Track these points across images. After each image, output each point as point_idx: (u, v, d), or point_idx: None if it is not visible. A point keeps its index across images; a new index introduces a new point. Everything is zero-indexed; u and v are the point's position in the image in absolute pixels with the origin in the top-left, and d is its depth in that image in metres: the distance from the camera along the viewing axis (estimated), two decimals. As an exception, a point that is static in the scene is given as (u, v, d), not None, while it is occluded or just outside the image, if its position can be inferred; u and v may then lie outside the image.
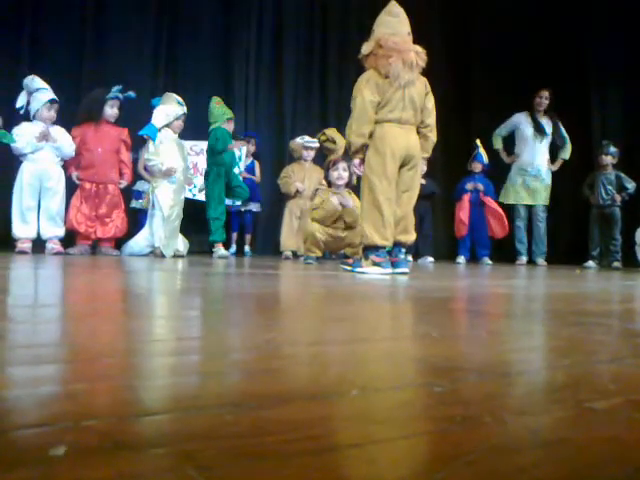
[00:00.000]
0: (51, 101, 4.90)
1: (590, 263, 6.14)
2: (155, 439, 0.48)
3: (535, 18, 7.01)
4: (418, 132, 3.40)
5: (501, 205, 6.41)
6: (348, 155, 3.63)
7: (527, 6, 6.99)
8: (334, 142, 5.61)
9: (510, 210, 6.36)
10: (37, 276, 2.60)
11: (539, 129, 6.21)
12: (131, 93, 5.25)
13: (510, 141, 6.46)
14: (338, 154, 5.40)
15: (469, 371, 0.79)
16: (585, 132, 6.64)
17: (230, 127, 5.65)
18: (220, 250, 5.36)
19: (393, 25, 3.31)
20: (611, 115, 7.00)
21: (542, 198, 6.25)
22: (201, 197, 6.37)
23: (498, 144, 6.48)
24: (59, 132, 4.96)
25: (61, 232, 4.97)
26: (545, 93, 6.24)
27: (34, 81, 4.90)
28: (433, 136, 3.46)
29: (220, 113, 5.58)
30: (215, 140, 5.46)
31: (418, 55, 3.28)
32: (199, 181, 6.31)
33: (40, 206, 4.89)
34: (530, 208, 6.31)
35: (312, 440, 0.48)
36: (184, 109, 5.18)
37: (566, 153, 6.28)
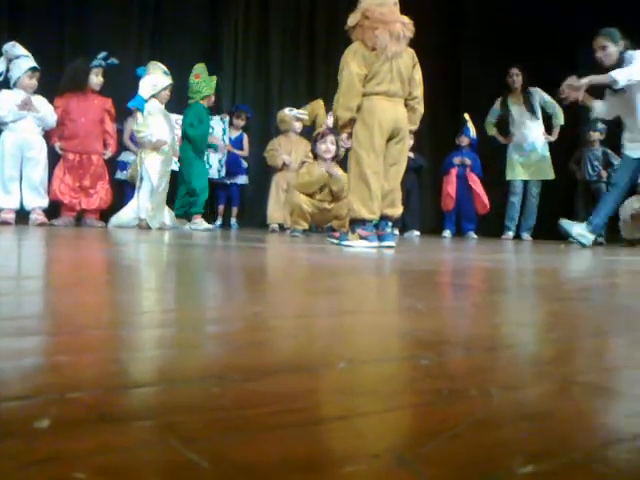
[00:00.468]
0: (33, 69, 4.80)
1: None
2: (140, 411, 0.48)
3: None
4: (406, 104, 3.38)
5: (490, 181, 6.44)
6: (336, 128, 3.62)
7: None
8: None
9: (507, 186, 6.39)
10: (21, 247, 2.58)
11: (509, 113, 6.23)
12: (114, 60, 5.15)
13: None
14: (321, 126, 5.40)
15: (455, 344, 0.80)
16: (573, 108, 6.63)
17: (209, 102, 5.57)
18: (203, 223, 5.36)
19: None
20: (599, 91, 7.00)
21: (541, 173, 6.27)
22: None
23: (491, 131, 6.48)
24: (41, 102, 4.88)
25: (44, 202, 4.91)
26: (514, 70, 6.22)
27: (15, 47, 4.79)
28: (420, 108, 3.44)
29: (197, 90, 5.50)
30: (189, 123, 5.41)
31: (405, 26, 3.24)
32: None
33: (22, 176, 4.83)
34: (525, 183, 6.33)
35: (298, 413, 0.48)
36: (170, 79, 5.11)
37: (559, 119, 6.26)
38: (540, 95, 6.24)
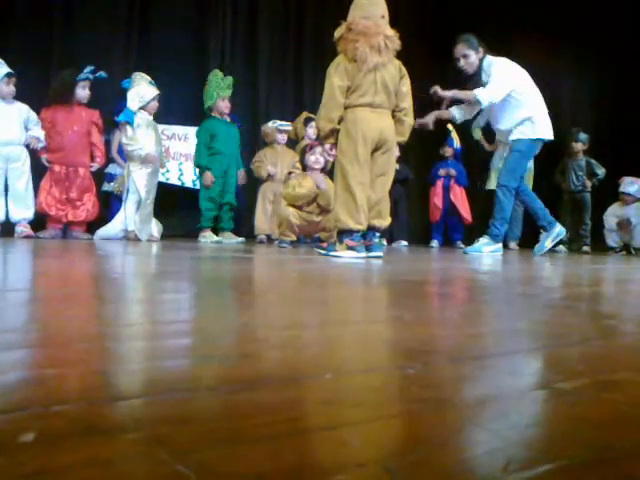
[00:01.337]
0: (8, 75, 4.75)
1: (560, 247, 6.25)
2: (128, 424, 0.47)
3: (509, 3, 7.06)
4: (393, 116, 3.41)
5: (476, 192, 6.48)
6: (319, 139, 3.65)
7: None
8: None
9: (491, 195, 6.42)
10: (6, 260, 2.55)
11: None
12: (102, 73, 5.15)
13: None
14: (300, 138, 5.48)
15: (442, 354, 0.80)
16: (556, 119, 6.71)
17: (224, 106, 5.59)
18: (211, 236, 5.52)
19: (366, 8, 3.30)
20: (581, 102, 7.10)
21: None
22: (174, 182, 6.34)
23: (477, 135, 6.51)
24: (29, 116, 4.87)
25: (30, 214, 4.88)
26: None
27: None
28: (409, 120, 3.47)
29: (203, 102, 5.60)
30: (197, 150, 5.58)
31: (388, 39, 3.27)
32: (171, 165, 6.27)
33: (6, 188, 4.80)
34: None
35: (286, 423, 0.49)
36: (156, 89, 5.10)
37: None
38: None
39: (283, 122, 6.19)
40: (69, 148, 5.08)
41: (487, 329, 1.10)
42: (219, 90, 5.59)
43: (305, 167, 4.93)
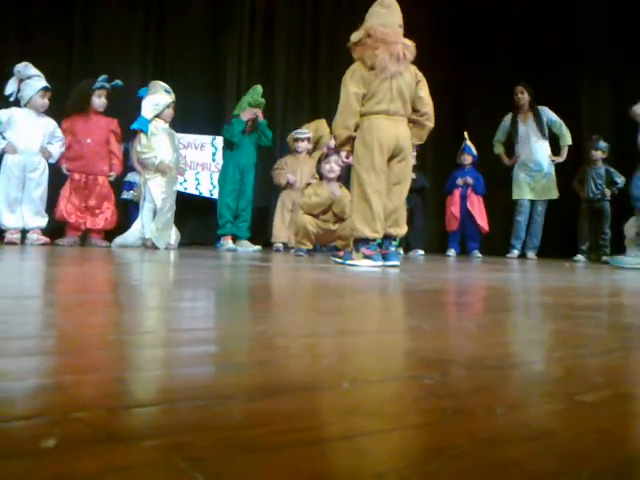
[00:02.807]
0: (44, 88, 4.87)
1: (579, 257, 6.18)
2: (146, 431, 0.48)
3: (526, 13, 7.03)
4: (414, 121, 3.40)
5: (494, 199, 6.46)
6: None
7: (517, 0, 7.01)
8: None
9: (512, 204, 6.40)
10: (26, 267, 2.58)
11: (516, 130, 6.27)
12: (118, 82, 5.22)
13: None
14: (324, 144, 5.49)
15: (460, 364, 0.80)
16: (575, 126, 6.66)
17: (247, 115, 5.64)
18: (228, 243, 5.52)
19: (384, 16, 3.30)
20: (600, 109, 7.03)
21: (546, 193, 6.28)
22: (192, 191, 6.39)
23: (498, 149, 6.49)
24: (52, 130, 4.97)
25: (44, 223, 4.94)
26: (519, 88, 6.26)
27: (27, 68, 4.87)
28: (430, 124, 3.45)
29: (241, 102, 5.68)
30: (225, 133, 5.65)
31: (406, 48, 3.27)
32: (188, 175, 6.32)
33: (23, 196, 4.87)
34: (531, 203, 6.34)
35: (303, 432, 0.48)
36: (173, 97, 5.14)
37: (566, 139, 6.27)
38: (547, 114, 6.26)
39: (300, 130, 6.22)
40: (88, 156, 5.15)
41: (505, 339, 1.09)
42: (252, 102, 5.68)
43: (321, 176, 4.95)
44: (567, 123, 6.39)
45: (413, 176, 5.71)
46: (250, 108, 5.63)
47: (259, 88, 5.78)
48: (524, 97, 6.25)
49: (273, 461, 0.42)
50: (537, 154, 6.25)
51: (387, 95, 3.26)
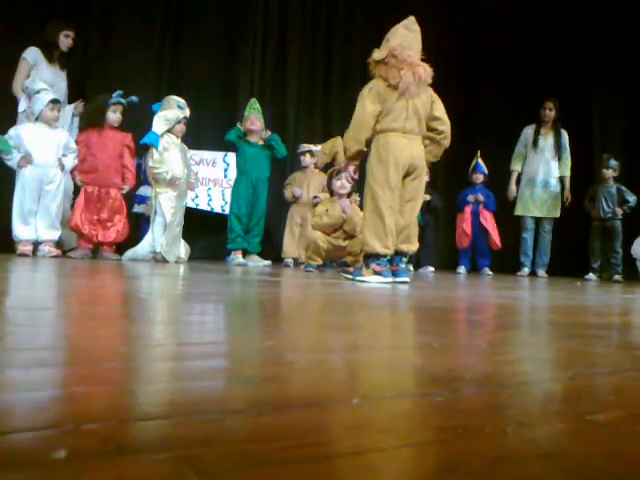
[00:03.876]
0: (53, 101, 4.93)
1: (590, 275, 6.14)
2: (156, 444, 0.48)
3: (537, 31, 7.05)
4: (432, 139, 3.42)
5: (505, 217, 6.45)
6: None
7: (529, 19, 7.03)
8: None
9: (519, 222, 6.40)
10: (38, 279, 2.60)
11: (536, 142, 6.27)
12: (133, 98, 5.28)
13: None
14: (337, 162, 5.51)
15: (470, 381, 0.79)
16: (586, 145, 6.65)
17: (248, 123, 5.73)
18: (238, 258, 5.52)
19: (409, 39, 3.32)
20: (612, 128, 7.02)
21: (551, 211, 6.28)
22: (204, 207, 6.42)
23: (515, 166, 6.47)
24: (67, 141, 5.04)
25: (57, 236, 4.98)
26: (549, 104, 6.28)
27: (34, 83, 4.96)
28: (447, 142, 3.47)
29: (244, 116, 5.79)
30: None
31: (425, 71, 3.31)
32: (200, 190, 6.36)
33: (38, 208, 4.91)
34: (538, 220, 6.33)
35: (312, 447, 0.48)
36: (185, 112, 5.17)
37: (563, 169, 6.30)
38: (565, 139, 6.30)
39: (303, 145, 6.30)
40: (102, 170, 5.20)
41: (515, 357, 1.08)
42: (249, 109, 5.76)
43: (332, 192, 4.96)
44: (579, 141, 6.39)
45: (428, 197, 5.75)
46: (247, 116, 5.70)
47: (252, 100, 5.90)
48: (551, 114, 6.28)
49: (282, 476, 0.42)
50: (547, 172, 6.27)
51: (403, 113, 3.28)
